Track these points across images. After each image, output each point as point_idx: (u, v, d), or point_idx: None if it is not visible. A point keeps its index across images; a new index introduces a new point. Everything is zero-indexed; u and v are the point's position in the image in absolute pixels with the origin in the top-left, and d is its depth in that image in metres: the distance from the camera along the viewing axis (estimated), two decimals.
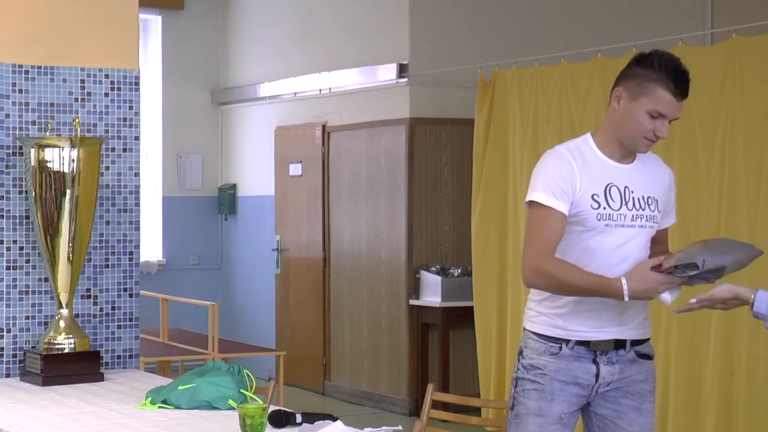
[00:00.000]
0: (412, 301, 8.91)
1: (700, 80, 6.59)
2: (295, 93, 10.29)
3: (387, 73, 9.11)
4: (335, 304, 9.76)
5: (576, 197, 3.56)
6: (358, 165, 9.48)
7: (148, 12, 10.77)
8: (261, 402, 3.84)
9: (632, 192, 3.60)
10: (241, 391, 4.07)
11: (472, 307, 8.27)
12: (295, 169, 10.25)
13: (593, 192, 3.56)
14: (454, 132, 9.05)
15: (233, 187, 11.19)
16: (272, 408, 3.80)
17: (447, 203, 9.05)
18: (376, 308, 9.26)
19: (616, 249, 3.57)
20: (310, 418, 3.71)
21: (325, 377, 9.84)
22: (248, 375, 4.17)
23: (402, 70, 8.98)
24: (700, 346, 6.48)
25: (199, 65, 11.29)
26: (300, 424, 3.68)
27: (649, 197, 3.62)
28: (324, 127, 9.86)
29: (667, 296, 3.53)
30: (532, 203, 3.58)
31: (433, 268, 8.82)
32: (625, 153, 3.63)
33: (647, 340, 3.69)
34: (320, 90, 9.94)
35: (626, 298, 3.48)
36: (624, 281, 3.47)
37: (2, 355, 4.91)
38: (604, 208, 3.56)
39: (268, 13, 10.75)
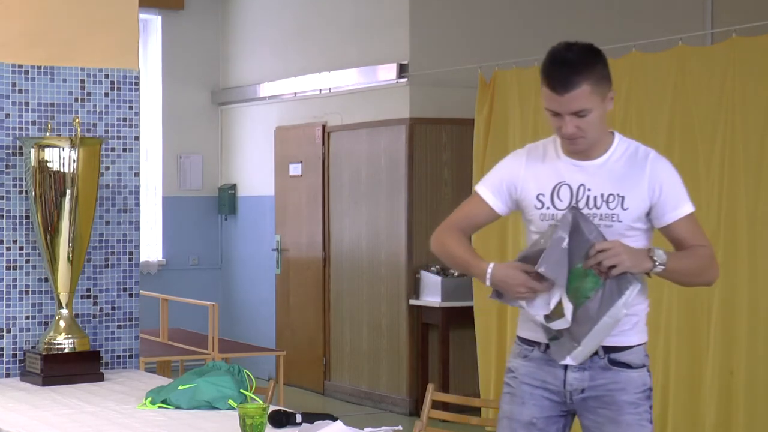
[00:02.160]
0: (412, 301, 8.91)
1: (700, 80, 6.61)
2: (295, 93, 10.29)
3: (387, 73, 9.11)
4: (335, 304, 9.75)
5: (519, 197, 3.55)
6: (358, 165, 9.48)
7: (148, 12, 10.77)
8: (261, 402, 3.84)
9: (588, 190, 3.44)
10: (241, 391, 4.07)
11: (472, 307, 8.27)
12: (295, 169, 10.25)
13: (539, 192, 3.50)
14: (454, 132, 9.05)
15: (233, 187, 11.19)
16: (272, 408, 3.80)
17: (447, 203, 9.04)
18: (376, 308, 9.26)
19: None
20: (310, 418, 3.70)
21: (325, 377, 9.84)
22: (248, 375, 4.17)
23: (402, 70, 8.98)
24: (699, 345, 6.48)
25: (199, 65, 11.29)
26: (300, 424, 3.68)
27: (609, 195, 3.43)
28: (324, 127, 9.87)
29: (528, 308, 3.40)
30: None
31: (433, 268, 8.82)
32: (590, 150, 3.47)
33: (628, 348, 3.48)
34: (320, 90, 9.94)
35: (487, 282, 3.43)
36: (490, 266, 3.43)
37: (2, 355, 4.91)
38: (548, 208, 3.48)
39: (268, 13, 10.75)
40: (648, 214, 3.47)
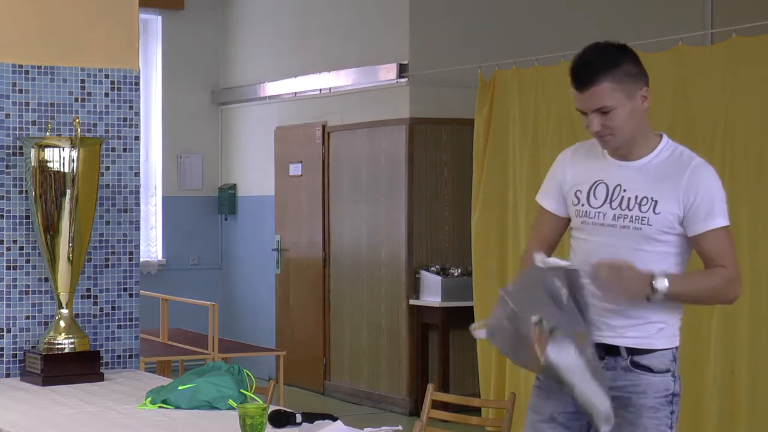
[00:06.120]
0: (412, 301, 8.91)
1: (700, 80, 6.60)
2: (295, 93, 10.29)
3: (387, 73, 9.11)
4: (335, 304, 9.75)
5: (564, 194, 3.58)
6: (358, 165, 9.48)
7: (148, 12, 10.76)
8: (261, 402, 3.84)
9: (624, 191, 3.45)
10: (241, 391, 4.07)
11: (472, 307, 8.26)
12: (295, 169, 10.25)
13: (578, 188, 3.53)
14: (454, 132, 9.05)
15: (233, 187, 11.19)
16: (272, 408, 3.80)
17: (447, 203, 9.05)
18: (376, 308, 9.26)
19: (599, 248, 3.44)
20: (310, 418, 3.71)
21: (325, 377, 9.84)
22: (248, 375, 4.17)
23: (402, 70, 8.98)
24: (700, 345, 6.47)
25: (199, 65, 11.29)
26: (300, 424, 3.68)
27: (644, 197, 3.42)
28: (324, 127, 9.86)
29: None
30: None
31: (433, 268, 8.82)
32: (632, 150, 3.47)
33: (651, 351, 3.45)
34: (320, 90, 9.94)
35: None
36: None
37: (2, 355, 4.91)
38: (583, 205, 3.50)
39: (268, 13, 10.75)
40: (682, 222, 3.42)
